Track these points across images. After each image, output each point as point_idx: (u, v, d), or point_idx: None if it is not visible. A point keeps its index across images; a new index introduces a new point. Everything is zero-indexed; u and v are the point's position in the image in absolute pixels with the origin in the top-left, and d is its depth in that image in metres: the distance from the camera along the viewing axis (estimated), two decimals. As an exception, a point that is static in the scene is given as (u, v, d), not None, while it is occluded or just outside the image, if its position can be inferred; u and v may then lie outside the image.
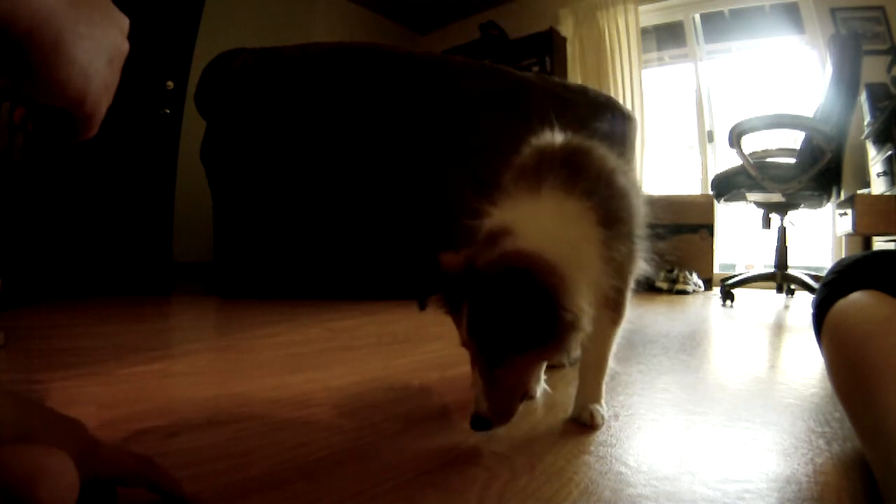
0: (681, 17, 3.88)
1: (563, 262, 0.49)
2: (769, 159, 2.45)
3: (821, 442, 0.57)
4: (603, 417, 0.62)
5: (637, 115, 3.37)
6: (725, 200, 2.48)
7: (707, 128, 3.83)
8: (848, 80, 2.19)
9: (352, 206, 2.08)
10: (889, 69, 2.86)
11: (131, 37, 0.38)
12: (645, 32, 3.94)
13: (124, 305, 1.79)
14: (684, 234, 3.12)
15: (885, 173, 2.70)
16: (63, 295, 1.89)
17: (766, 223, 2.40)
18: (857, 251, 2.11)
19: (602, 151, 0.63)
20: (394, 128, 2.10)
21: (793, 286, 2.59)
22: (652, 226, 0.65)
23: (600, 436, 0.59)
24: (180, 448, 0.52)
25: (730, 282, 2.32)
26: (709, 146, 3.82)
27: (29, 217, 1.84)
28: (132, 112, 2.21)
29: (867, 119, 2.92)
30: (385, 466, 0.49)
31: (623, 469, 0.49)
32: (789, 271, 2.33)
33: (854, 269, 0.65)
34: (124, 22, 0.37)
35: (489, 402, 0.50)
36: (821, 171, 2.10)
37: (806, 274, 2.28)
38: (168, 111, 2.39)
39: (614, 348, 0.65)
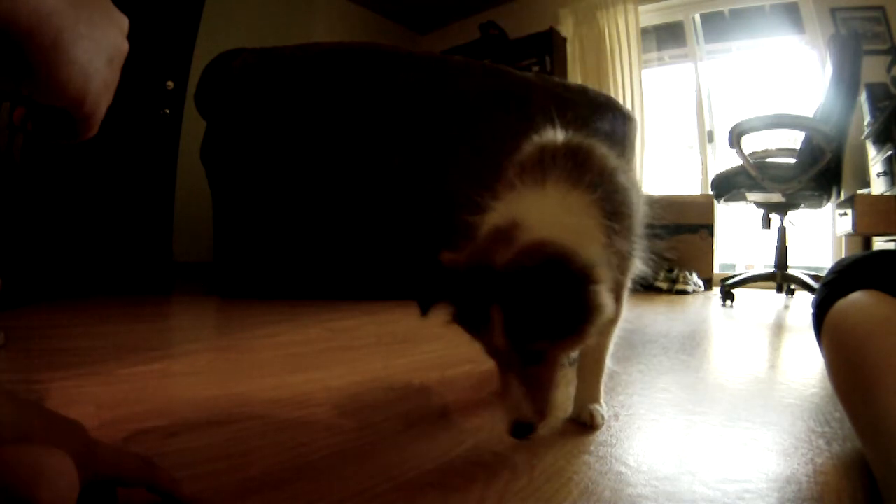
0: (681, 17, 3.88)
1: (582, 250, 0.48)
2: (769, 159, 2.45)
3: (821, 442, 0.57)
4: (603, 417, 0.62)
5: (637, 115, 3.37)
6: (725, 200, 2.48)
7: (707, 128, 3.83)
8: (848, 80, 2.19)
9: (352, 206, 2.08)
10: (889, 69, 2.86)
11: (131, 37, 0.38)
12: (645, 32, 3.94)
13: (124, 305, 1.79)
14: (684, 234, 3.12)
15: (885, 173, 2.70)
16: (63, 295, 1.89)
17: (766, 223, 2.40)
18: (857, 251, 2.11)
19: (603, 150, 0.63)
20: (394, 128, 2.10)
21: (793, 286, 2.59)
22: (650, 226, 0.65)
23: (600, 436, 0.59)
24: (180, 448, 0.52)
25: (730, 282, 2.32)
26: (709, 146, 3.82)
27: (29, 217, 1.84)
28: (132, 112, 2.21)
29: (867, 119, 2.92)
30: (385, 466, 0.49)
31: (623, 469, 0.49)
32: (789, 271, 2.33)
33: (854, 269, 0.65)
34: (124, 22, 0.37)
35: (531, 403, 0.48)
36: (821, 171, 2.10)
37: (806, 274, 2.28)
38: (168, 111, 2.39)
39: (612, 348, 0.65)
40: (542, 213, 0.51)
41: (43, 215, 1.92)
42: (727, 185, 2.38)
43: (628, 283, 0.64)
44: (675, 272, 2.89)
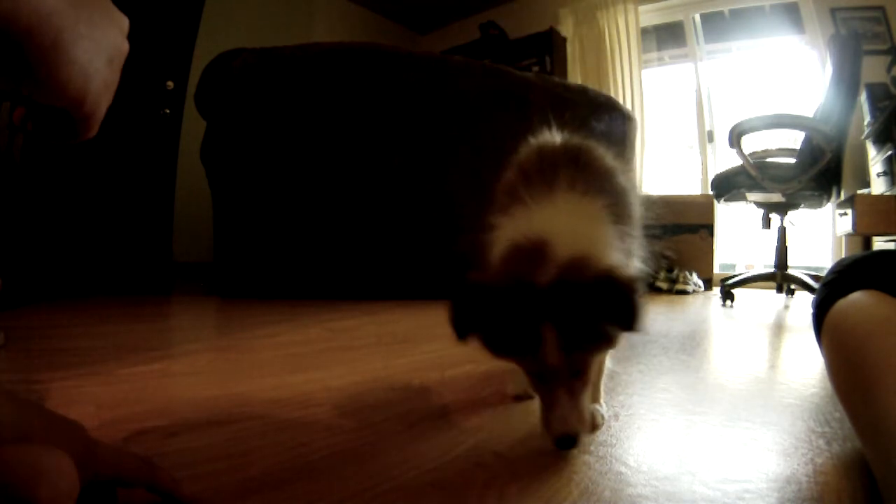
0: (681, 17, 3.88)
1: (611, 259, 0.50)
2: (769, 159, 2.45)
3: (821, 442, 0.57)
4: (603, 417, 0.62)
5: (637, 115, 3.37)
6: (725, 200, 2.48)
7: (707, 128, 3.83)
8: (848, 80, 2.19)
9: (352, 207, 2.08)
10: (889, 69, 2.86)
11: (131, 37, 0.38)
12: (645, 32, 3.94)
13: (124, 305, 1.79)
14: (684, 234, 3.12)
15: (885, 173, 2.70)
16: (63, 295, 1.89)
17: (766, 223, 2.40)
18: (857, 251, 2.11)
19: (602, 151, 0.63)
20: (394, 128, 2.10)
21: (793, 286, 2.59)
22: (649, 226, 0.65)
23: (600, 436, 0.59)
24: (180, 448, 0.52)
25: (730, 282, 2.32)
26: (709, 146, 3.82)
27: (29, 217, 1.84)
28: (132, 112, 2.21)
29: (867, 119, 2.92)
30: (385, 466, 0.49)
31: (623, 469, 0.49)
32: (789, 271, 2.33)
33: (854, 269, 0.65)
34: (124, 22, 0.37)
35: (576, 414, 0.49)
36: (821, 171, 2.10)
37: (806, 274, 2.28)
38: (168, 111, 2.39)
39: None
40: (563, 225, 0.51)
41: (43, 215, 1.93)
42: (727, 185, 2.38)
43: None
44: (675, 272, 2.89)
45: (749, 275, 2.40)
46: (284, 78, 2.05)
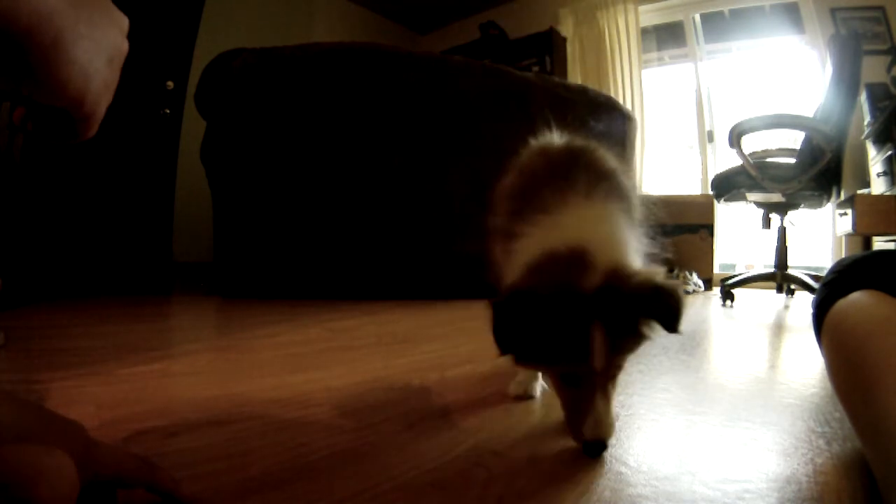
0: (681, 17, 3.88)
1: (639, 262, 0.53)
2: (769, 159, 2.45)
3: (821, 442, 0.57)
4: (603, 417, 0.62)
5: (637, 115, 3.37)
6: (725, 200, 2.48)
7: (707, 128, 3.83)
8: (848, 80, 2.19)
9: (352, 206, 2.08)
10: (889, 69, 2.86)
11: (131, 37, 0.38)
12: (645, 32, 3.94)
13: (124, 305, 1.79)
14: (684, 234, 3.12)
15: (885, 173, 2.70)
16: (63, 295, 1.89)
17: (766, 223, 2.40)
18: (857, 251, 2.11)
19: (606, 152, 0.63)
20: (394, 128, 2.10)
21: (793, 286, 2.59)
22: (650, 226, 0.65)
23: (600, 436, 0.58)
24: (180, 448, 0.52)
25: (730, 282, 2.32)
26: (709, 146, 3.82)
27: (29, 217, 1.84)
28: (132, 112, 2.21)
29: (867, 119, 2.92)
30: (385, 466, 0.49)
31: (623, 469, 0.49)
32: (789, 271, 2.33)
33: (854, 269, 0.65)
34: (124, 22, 0.37)
35: (609, 418, 0.50)
36: (821, 171, 2.10)
37: (806, 274, 2.28)
38: (168, 111, 2.39)
39: None
40: (595, 231, 0.52)
41: (43, 215, 1.93)
42: (727, 185, 2.38)
43: None
44: (675, 272, 2.89)
45: (749, 275, 2.40)
46: (284, 78, 2.05)
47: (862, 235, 2.88)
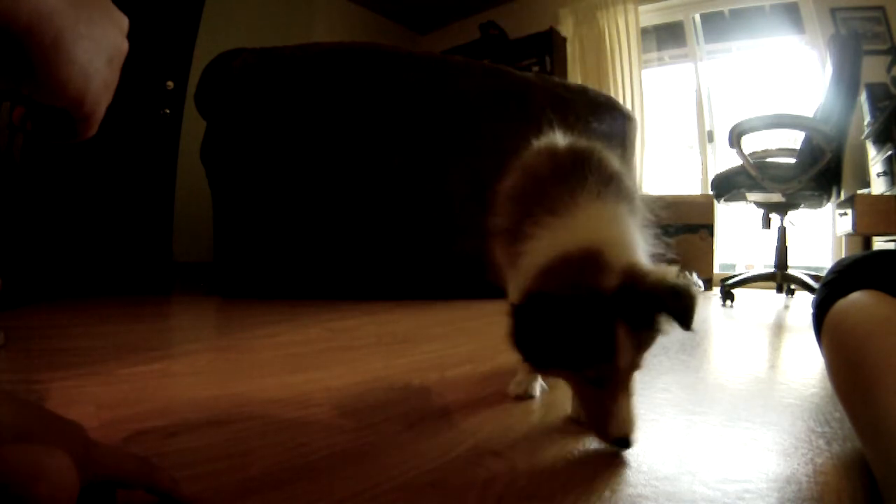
0: (681, 17, 3.88)
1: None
2: (769, 159, 2.45)
3: (821, 442, 0.57)
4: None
5: (637, 115, 3.37)
6: (725, 200, 2.48)
7: (707, 128, 3.83)
8: (848, 80, 2.19)
9: (352, 207, 2.08)
10: (889, 69, 2.86)
11: (131, 37, 0.38)
12: (645, 32, 3.94)
13: (124, 305, 1.79)
14: (684, 234, 3.12)
15: (885, 173, 2.70)
16: (63, 295, 1.89)
17: (766, 223, 2.40)
18: (857, 251, 2.11)
19: (609, 153, 0.63)
20: (394, 128, 2.10)
21: (793, 286, 2.59)
22: (654, 226, 0.65)
23: (600, 436, 0.59)
24: (180, 448, 0.52)
25: (730, 282, 2.32)
26: (709, 146, 3.82)
27: (29, 217, 1.84)
28: (132, 112, 2.21)
29: (867, 119, 2.92)
30: (385, 466, 0.49)
31: (623, 469, 0.49)
32: (789, 271, 2.33)
33: (854, 269, 0.65)
34: (124, 21, 0.37)
35: (632, 414, 0.51)
36: (821, 171, 2.10)
37: (806, 274, 2.28)
38: (168, 111, 2.39)
39: None
40: (607, 233, 0.53)
41: (43, 215, 1.93)
42: (727, 185, 2.38)
43: None
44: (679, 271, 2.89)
45: (749, 275, 2.40)
46: (284, 78, 2.05)
47: (862, 235, 2.88)
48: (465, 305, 1.91)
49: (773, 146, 2.59)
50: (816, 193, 2.21)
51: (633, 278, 0.49)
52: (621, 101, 3.34)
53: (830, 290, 0.65)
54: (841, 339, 0.57)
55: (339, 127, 2.06)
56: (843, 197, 2.70)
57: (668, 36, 4.01)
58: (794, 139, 2.48)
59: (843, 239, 3.15)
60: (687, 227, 3.14)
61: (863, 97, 2.86)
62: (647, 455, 0.53)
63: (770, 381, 0.93)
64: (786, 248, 2.35)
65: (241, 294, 2.07)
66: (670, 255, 0.59)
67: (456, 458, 0.51)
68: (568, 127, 0.68)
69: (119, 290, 2.12)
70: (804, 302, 2.38)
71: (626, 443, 0.51)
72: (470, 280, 2.09)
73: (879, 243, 2.87)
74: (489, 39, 4.39)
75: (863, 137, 2.89)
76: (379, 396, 0.74)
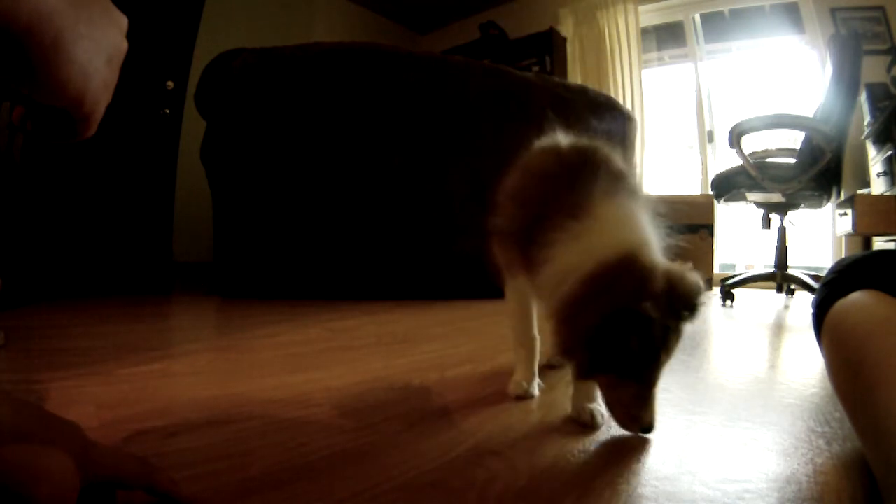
0: (681, 17, 3.88)
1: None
2: (769, 159, 2.45)
3: (821, 442, 0.57)
4: (603, 416, 0.62)
5: (637, 115, 3.37)
6: (725, 200, 2.48)
7: (707, 128, 3.83)
8: (848, 80, 2.19)
9: (352, 207, 2.08)
10: (889, 69, 2.86)
11: (131, 36, 0.38)
12: (645, 32, 3.94)
13: (124, 305, 1.79)
14: (684, 234, 3.12)
15: (885, 173, 2.70)
16: (63, 295, 1.89)
17: (766, 223, 2.40)
18: (857, 251, 2.11)
19: (615, 153, 0.64)
20: (394, 128, 2.10)
21: (793, 286, 2.59)
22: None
23: (600, 436, 0.59)
24: (180, 448, 0.52)
25: (730, 282, 2.32)
26: (709, 146, 3.82)
27: (29, 217, 1.84)
28: (132, 112, 2.21)
29: (867, 119, 2.92)
30: (385, 466, 0.49)
31: (623, 469, 0.49)
32: (789, 271, 2.33)
33: (854, 269, 0.65)
34: (123, 21, 0.37)
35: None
36: (821, 171, 2.10)
37: (806, 274, 2.28)
38: (168, 111, 2.39)
39: None
40: (634, 235, 0.55)
41: (43, 215, 1.93)
42: (727, 185, 2.38)
43: None
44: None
45: (749, 275, 2.40)
46: (284, 78, 2.05)
47: (862, 235, 2.88)
48: (465, 305, 1.91)
49: (773, 146, 2.59)
50: (816, 193, 2.21)
51: (673, 281, 0.52)
52: (621, 101, 3.33)
53: (830, 290, 0.65)
54: (841, 339, 0.57)
55: (339, 127, 2.06)
56: (843, 197, 2.70)
57: (668, 36, 4.01)
58: (794, 139, 2.48)
59: (843, 239, 3.15)
60: (687, 227, 3.14)
61: (863, 97, 2.86)
62: (647, 455, 0.53)
63: (770, 381, 0.93)
64: (786, 248, 2.35)
65: (241, 294, 2.07)
66: (680, 252, 0.60)
67: (456, 458, 0.51)
68: (568, 127, 0.68)
69: (119, 290, 2.12)
70: (804, 302, 2.38)
71: (651, 429, 0.55)
72: (470, 280, 2.09)
73: (879, 243, 2.87)
74: (489, 39, 4.39)
75: (863, 137, 2.89)
76: (379, 396, 0.74)
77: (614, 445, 0.56)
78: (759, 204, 2.38)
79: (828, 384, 0.76)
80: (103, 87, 0.35)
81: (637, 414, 0.54)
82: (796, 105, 3.44)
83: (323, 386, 0.78)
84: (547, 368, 0.90)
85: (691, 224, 3.15)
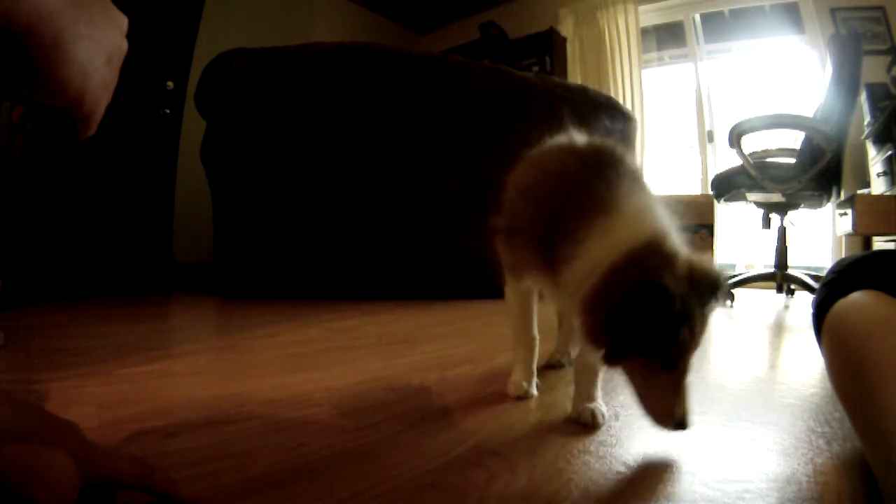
0: (681, 17, 3.88)
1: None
2: (769, 159, 2.45)
3: (821, 442, 0.57)
4: (604, 416, 0.62)
5: (637, 115, 3.37)
6: (725, 200, 2.48)
7: (707, 128, 3.83)
8: (848, 80, 2.19)
9: (352, 207, 2.08)
10: (889, 69, 2.86)
11: (131, 36, 0.38)
12: (645, 32, 3.94)
13: (124, 305, 1.79)
14: (684, 234, 3.12)
15: (885, 173, 2.70)
16: (63, 295, 1.89)
17: (766, 223, 2.40)
18: (857, 251, 2.11)
19: (624, 149, 0.64)
20: (394, 128, 2.10)
21: (793, 286, 2.59)
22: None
23: (600, 436, 0.59)
24: (180, 448, 0.52)
25: (730, 282, 2.32)
26: (709, 146, 3.82)
27: (29, 217, 1.84)
28: (132, 112, 2.21)
29: (867, 119, 2.92)
30: (385, 466, 0.49)
31: (623, 469, 0.49)
32: (789, 271, 2.33)
33: (854, 269, 0.65)
34: (123, 21, 0.37)
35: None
36: (821, 171, 2.10)
37: (806, 274, 2.28)
38: (168, 111, 2.39)
39: None
40: (654, 226, 0.55)
41: (43, 215, 1.92)
42: (727, 185, 2.38)
43: None
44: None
45: (749, 275, 2.40)
46: (284, 78, 2.05)
47: (862, 235, 2.88)
48: (465, 305, 1.91)
49: (773, 146, 2.59)
50: (816, 193, 2.21)
51: (695, 266, 0.52)
52: (621, 101, 3.33)
53: (830, 290, 0.65)
54: (841, 339, 0.57)
55: (339, 127, 2.06)
56: (843, 197, 2.70)
57: (668, 36, 4.01)
58: (794, 139, 2.48)
59: (843, 239, 3.15)
60: (687, 227, 3.14)
61: (863, 97, 2.86)
62: (647, 455, 0.53)
63: (770, 381, 0.93)
64: (786, 248, 2.35)
65: (241, 294, 2.07)
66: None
67: (456, 458, 0.51)
68: (569, 127, 0.68)
69: (119, 290, 2.12)
70: (804, 302, 2.38)
71: (685, 425, 0.53)
72: (470, 280, 2.09)
73: (879, 243, 2.87)
74: (489, 39, 4.39)
75: (863, 137, 2.89)
76: (379, 396, 0.74)
77: (614, 445, 0.56)
78: (759, 204, 2.38)
79: (828, 384, 0.76)
80: (103, 87, 0.35)
81: (669, 407, 0.53)
82: (796, 105, 3.44)
83: (323, 386, 0.78)
84: (547, 368, 0.90)
85: (691, 224, 3.15)
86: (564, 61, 4.15)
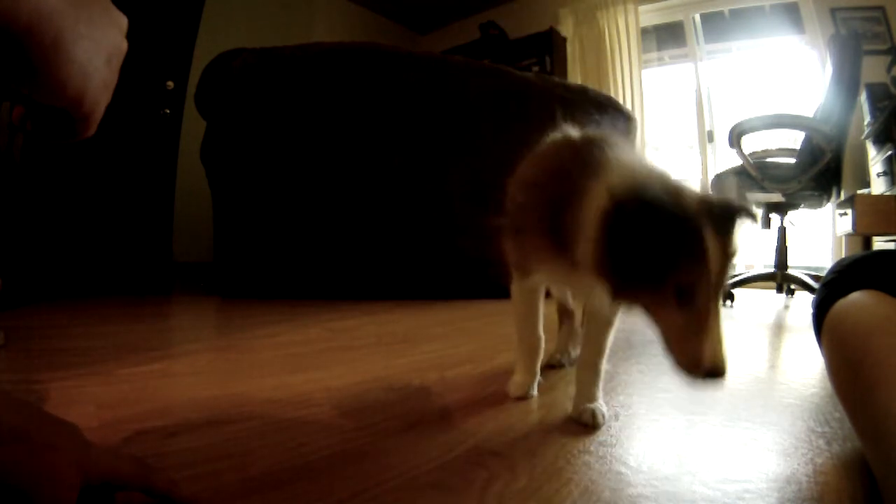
0: (681, 17, 3.88)
1: None
2: (769, 159, 2.45)
3: (821, 442, 0.57)
4: (604, 416, 0.62)
5: (637, 115, 3.36)
6: (725, 200, 2.47)
7: (707, 128, 3.83)
8: (848, 80, 2.19)
9: (352, 206, 2.08)
10: (889, 69, 2.86)
11: (131, 36, 0.38)
12: (645, 32, 3.94)
13: (124, 305, 1.79)
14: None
15: (885, 173, 2.70)
16: (63, 295, 1.89)
17: (766, 223, 2.40)
18: (857, 251, 2.11)
19: (624, 140, 0.64)
20: (394, 128, 2.10)
21: (793, 286, 2.59)
22: None
23: (600, 436, 0.59)
24: (180, 448, 0.52)
25: (730, 282, 2.31)
26: (709, 146, 3.82)
27: (29, 217, 1.84)
28: (132, 112, 2.21)
29: (867, 119, 2.92)
30: (385, 466, 0.49)
31: (623, 469, 0.49)
32: (789, 271, 2.33)
33: (854, 269, 0.65)
34: (123, 21, 0.37)
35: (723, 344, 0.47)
36: (821, 171, 2.10)
37: (806, 274, 2.28)
38: (168, 111, 2.39)
39: (608, 349, 0.66)
40: (657, 170, 0.54)
41: (43, 215, 1.92)
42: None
43: None
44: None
45: (749, 275, 2.40)
46: (284, 78, 2.05)
47: (862, 235, 2.88)
48: (465, 305, 1.91)
49: (773, 146, 2.59)
50: (816, 193, 2.21)
51: (710, 196, 0.50)
52: (621, 101, 3.33)
53: (830, 290, 0.65)
54: (841, 339, 0.57)
55: (339, 127, 2.06)
56: (843, 197, 2.70)
57: (668, 36, 4.01)
58: (794, 139, 2.47)
59: (843, 239, 3.15)
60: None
61: (863, 97, 2.86)
62: (647, 455, 0.53)
63: (770, 381, 0.93)
64: (786, 248, 2.35)
65: (241, 294, 2.07)
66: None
67: (456, 458, 0.51)
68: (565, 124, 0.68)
69: (119, 290, 2.12)
70: (804, 302, 2.38)
71: (719, 374, 0.45)
72: (470, 280, 2.09)
73: (879, 243, 2.87)
74: (489, 39, 4.39)
75: (863, 137, 2.89)
76: (379, 396, 0.74)
77: (614, 445, 0.56)
78: (758, 204, 2.38)
79: (828, 384, 0.76)
80: (103, 87, 0.35)
81: (695, 353, 0.46)
82: (796, 105, 3.43)
83: (323, 386, 0.78)
84: (547, 368, 0.90)
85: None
86: (564, 61, 4.15)
